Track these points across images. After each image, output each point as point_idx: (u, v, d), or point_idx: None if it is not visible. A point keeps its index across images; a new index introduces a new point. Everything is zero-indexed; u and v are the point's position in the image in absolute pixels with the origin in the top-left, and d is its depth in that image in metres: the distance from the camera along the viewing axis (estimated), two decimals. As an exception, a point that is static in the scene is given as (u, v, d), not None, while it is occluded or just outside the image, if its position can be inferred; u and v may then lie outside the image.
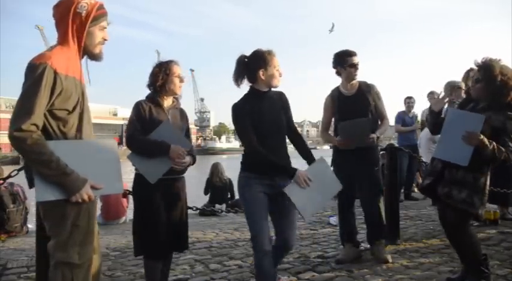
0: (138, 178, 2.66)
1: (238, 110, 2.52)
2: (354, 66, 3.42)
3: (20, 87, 1.75)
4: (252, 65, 2.51)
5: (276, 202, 2.56)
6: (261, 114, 2.51)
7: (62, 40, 1.86)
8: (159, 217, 2.61)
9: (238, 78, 2.56)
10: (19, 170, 2.84)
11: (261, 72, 2.49)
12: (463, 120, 2.70)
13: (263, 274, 2.52)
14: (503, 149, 2.63)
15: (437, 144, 2.89)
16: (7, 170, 4.30)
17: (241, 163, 2.64)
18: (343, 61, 3.44)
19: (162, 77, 2.65)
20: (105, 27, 1.96)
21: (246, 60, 2.55)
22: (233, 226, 5.17)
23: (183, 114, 2.86)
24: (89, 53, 1.94)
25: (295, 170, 2.48)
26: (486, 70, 2.71)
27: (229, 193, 7.17)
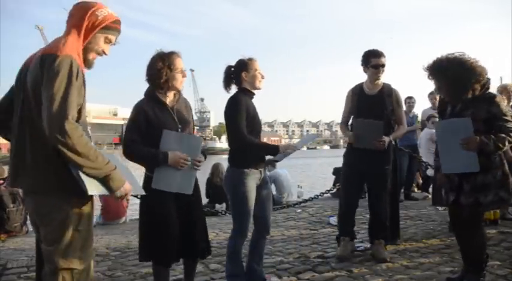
0: (148, 181, 2.50)
1: (238, 102, 2.78)
2: (377, 67, 3.48)
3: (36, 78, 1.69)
4: (236, 70, 2.87)
5: (260, 191, 2.89)
6: (251, 111, 2.83)
7: (69, 33, 1.82)
8: (169, 220, 2.50)
9: (226, 85, 2.91)
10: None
11: (243, 75, 2.83)
12: (453, 128, 2.69)
13: (238, 255, 2.87)
14: (502, 135, 2.57)
15: (441, 160, 2.81)
16: (7, 170, 4.30)
17: (230, 159, 2.86)
18: (368, 61, 3.52)
19: (166, 73, 2.49)
20: (111, 42, 1.93)
21: (232, 68, 2.90)
22: (233, 226, 5.17)
23: (187, 106, 2.76)
24: (83, 56, 1.87)
25: (277, 146, 2.88)
26: (438, 76, 2.71)
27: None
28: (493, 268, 3.17)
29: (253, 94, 2.90)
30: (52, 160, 1.72)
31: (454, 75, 2.62)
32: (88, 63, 1.90)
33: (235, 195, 2.83)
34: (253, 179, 2.81)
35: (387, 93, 3.54)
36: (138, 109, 2.52)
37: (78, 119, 1.75)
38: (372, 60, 3.49)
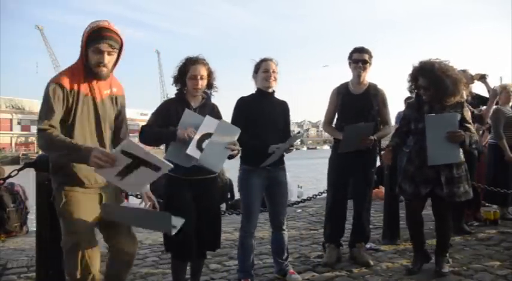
0: (168, 177, 2.62)
1: (238, 102, 3.03)
2: (357, 62, 3.43)
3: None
4: (254, 71, 3.05)
5: (270, 189, 3.05)
6: (261, 112, 2.94)
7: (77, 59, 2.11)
8: (185, 217, 2.53)
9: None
10: (19, 170, 2.84)
11: (255, 76, 3.03)
12: (441, 122, 2.89)
13: (244, 250, 3.01)
14: (470, 133, 2.95)
15: (428, 152, 2.91)
16: (7, 170, 4.30)
17: (240, 156, 2.95)
18: (350, 56, 3.51)
19: (181, 77, 2.69)
20: (102, 50, 2.03)
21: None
22: (233, 226, 5.17)
23: (213, 111, 2.79)
24: (92, 73, 2.08)
25: (267, 146, 2.89)
26: (429, 79, 2.92)
27: (229, 193, 7.16)
28: (493, 268, 3.18)
29: (269, 94, 3.01)
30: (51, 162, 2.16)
31: (445, 87, 2.90)
32: (96, 76, 2.09)
33: (239, 188, 3.06)
34: (257, 176, 2.92)
35: (373, 93, 3.47)
36: (164, 104, 2.77)
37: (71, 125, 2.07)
38: (354, 55, 3.46)
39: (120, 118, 2.31)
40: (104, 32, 2.02)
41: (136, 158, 1.95)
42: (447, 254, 3.16)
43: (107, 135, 2.23)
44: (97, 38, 2.02)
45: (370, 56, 3.47)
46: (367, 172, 3.50)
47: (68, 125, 2.07)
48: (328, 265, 3.39)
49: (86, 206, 2.12)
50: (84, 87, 2.08)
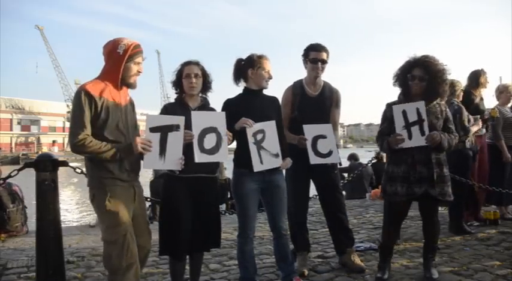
0: (166, 176, 2.74)
1: (223, 105, 2.87)
2: (315, 61, 3.20)
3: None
4: (244, 66, 2.86)
5: (267, 194, 2.86)
6: (251, 110, 2.78)
7: (102, 73, 2.35)
8: (181, 215, 2.63)
9: (236, 78, 2.92)
10: (19, 170, 2.84)
11: (249, 72, 2.83)
12: (407, 110, 2.83)
13: (245, 257, 2.85)
14: (453, 136, 2.91)
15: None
16: (7, 170, 4.30)
17: (233, 160, 2.90)
18: (307, 54, 3.26)
19: (178, 79, 2.78)
20: (140, 62, 2.39)
21: (242, 62, 2.89)
22: (233, 226, 5.17)
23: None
24: (126, 83, 2.37)
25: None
26: (433, 69, 2.84)
27: (229, 193, 7.15)
28: (493, 268, 3.18)
29: (258, 92, 2.87)
30: (89, 164, 2.34)
31: (442, 80, 2.86)
32: (132, 85, 2.41)
33: (234, 194, 2.91)
34: (250, 180, 2.78)
35: (329, 94, 3.30)
36: (163, 108, 2.81)
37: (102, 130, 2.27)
38: (311, 54, 3.21)
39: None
40: (139, 47, 2.38)
41: (161, 128, 2.38)
42: (435, 258, 3.12)
43: (132, 134, 2.43)
44: (137, 52, 2.36)
45: (328, 55, 3.25)
46: (330, 175, 3.28)
47: (98, 126, 2.26)
48: (304, 273, 3.17)
49: (126, 199, 2.32)
50: (108, 94, 2.31)
